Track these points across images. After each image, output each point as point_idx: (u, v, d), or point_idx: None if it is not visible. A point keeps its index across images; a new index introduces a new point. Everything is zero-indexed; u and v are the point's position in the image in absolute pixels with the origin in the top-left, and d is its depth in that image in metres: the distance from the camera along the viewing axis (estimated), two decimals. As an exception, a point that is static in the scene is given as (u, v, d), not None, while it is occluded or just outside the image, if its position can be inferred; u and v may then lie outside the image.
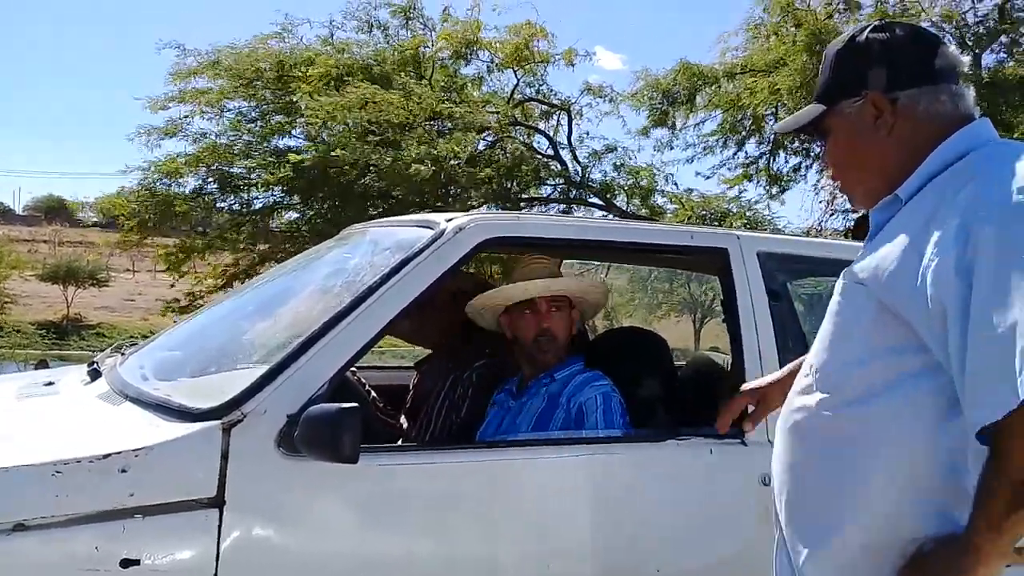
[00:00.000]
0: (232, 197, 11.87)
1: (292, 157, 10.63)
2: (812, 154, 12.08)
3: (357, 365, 2.43)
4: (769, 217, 12.81)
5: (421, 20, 12.26)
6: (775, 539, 1.60)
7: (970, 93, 1.48)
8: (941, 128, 1.42)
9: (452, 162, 10.30)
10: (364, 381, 3.09)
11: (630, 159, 12.47)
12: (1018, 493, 1.22)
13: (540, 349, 2.43)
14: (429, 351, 3.22)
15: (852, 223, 11.82)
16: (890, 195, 1.44)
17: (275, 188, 11.50)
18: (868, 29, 1.50)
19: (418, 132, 10.49)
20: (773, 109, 11.10)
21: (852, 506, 1.41)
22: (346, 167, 10.20)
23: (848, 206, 12.29)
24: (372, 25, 12.25)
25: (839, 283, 1.47)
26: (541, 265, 2.50)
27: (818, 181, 12.54)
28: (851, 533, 1.42)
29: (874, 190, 1.49)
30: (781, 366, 2.32)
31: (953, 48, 1.49)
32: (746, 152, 12.33)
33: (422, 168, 9.81)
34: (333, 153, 10.11)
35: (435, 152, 10.11)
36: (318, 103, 10.35)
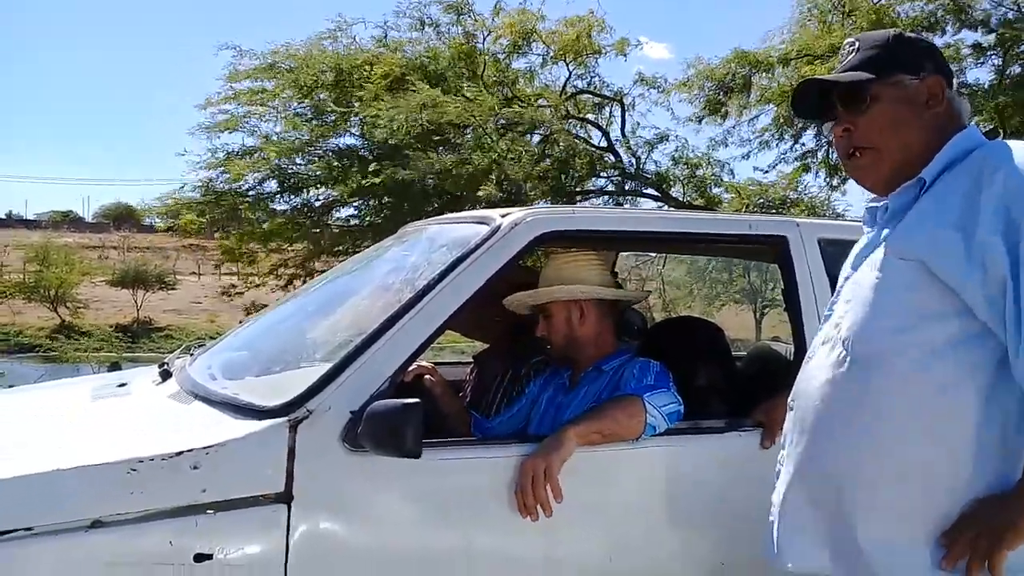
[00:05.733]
0: (292, 196, 12.05)
1: (365, 182, 10.70)
2: None
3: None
4: (829, 202, 12.58)
5: (472, 16, 12.29)
6: (778, 515, 1.69)
7: None
8: (959, 126, 1.61)
9: (511, 161, 10.31)
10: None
11: (687, 150, 12.34)
12: None
13: (550, 352, 2.50)
14: (487, 345, 3.24)
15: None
16: (912, 180, 1.57)
17: (333, 186, 11.64)
18: (909, 33, 1.72)
19: (478, 133, 10.50)
20: None
21: (905, 464, 1.48)
22: (412, 179, 10.28)
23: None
24: (424, 23, 12.32)
25: (872, 260, 1.59)
26: (551, 269, 2.46)
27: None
28: (903, 492, 1.48)
29: (901, 166, 1.60)
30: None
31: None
32: (803, 144, 12.10)
33: (489, 187, 9.90)
34: (405, 172, 10.17)
35: (496, 157, 10.14)
36: (381, 107, 10.45)
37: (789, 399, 1.70)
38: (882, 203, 1.67)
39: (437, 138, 10.69)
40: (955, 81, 1.68)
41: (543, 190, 10.79)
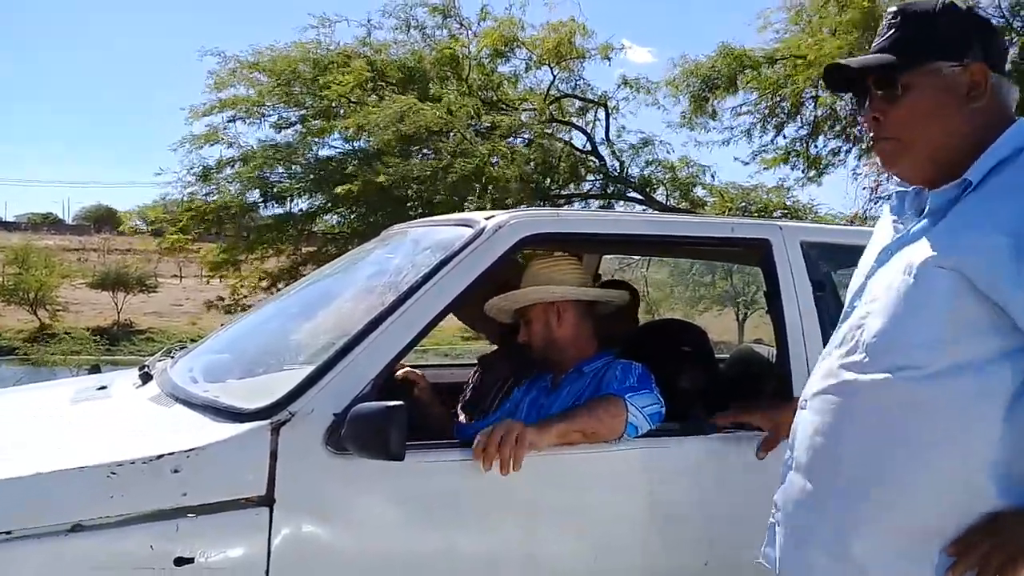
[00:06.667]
0: (275, 205, 12.05)
1: (340, 190, 10.71)
2: (852, 138, 11.92)
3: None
4: (810, 205, 12.65)
5: (458, 19, 12.30)
6: (780, 518, 1.59)
7: None
8: (1006, 118, 1.44)
9: (491, 163, 10.34)
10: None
11: (668, 152, 12.40)
12: None
13: (531, 355, 2.48)
14: (495, 347, 3.22)
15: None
16: (956, 181, 1.41)
17: (316, 195, 11.65)
18: (959, 3, 1.48)
19: (458, 138, 10.51)
20: (813, 91, 10.99)
21: (922, 479, 1.39)
22: (388, 183, 10.28)
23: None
24: (410, 25, 12.31)
25: (905, 264, 1.43)
26: (528, 274, 2.46)
27: (857, 167, 12.37)
28: (919, 506, 1.40)
29: (935, 159, 1.46)
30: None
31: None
32: (784, 136, 12.17)
33: (465, 179, 9.90)
34: (379, 179, 10.18)
35: (475, 161, 10.15)
36: (356, 119, 10.46)
37: (801, 398, 1.60)
38: (911, 188, 1.54)
39: (416, 147, 10.69)
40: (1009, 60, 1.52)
41: (526, 194, 10.81)
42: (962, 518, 1.37)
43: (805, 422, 1.56)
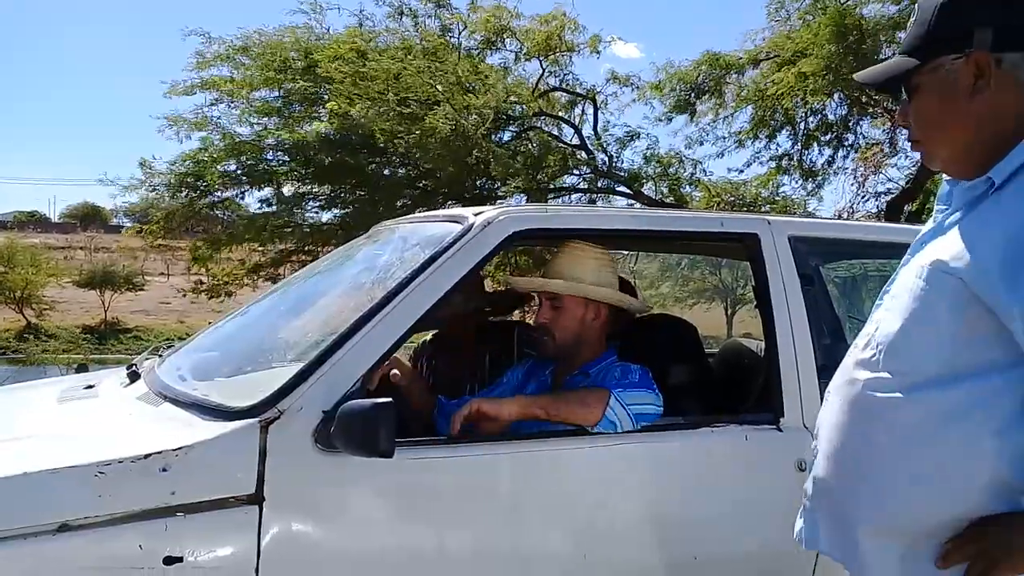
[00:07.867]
0: (260, 187, 11.97)
1: (316, 125, 10.71)
2: (846, 145, 11.97)
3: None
4: (800, 200, 12.69)
5: (449, 9, 12.26)
6: (807, 508, 1.59)
7: None
8: None
9: (476, 129, 10.35)
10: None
11: (658, 147, 12.41)
12: None
13: (534, 338, 2.44)
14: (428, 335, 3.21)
15: (885, 206, 11.69)
16: (981, 177, 1.34)
17: (301, 173, 11.59)
18: None
19: (444, 108, 10.50)
20: (801, 99, 11.03)
21: (912, 483, 1.38)
22: (373, 138, 10.27)
23: (881, 189, 12.15)
24: (403, 12, 12.26)
25: (918, 265, 1.39)
26: (566, 257, 2.44)
27: (855, 169, 12.42)
28: (916, 512, 1.39)
29: (960, 157, 1.39)
30: (815, 351, 2.32)
31: None
32: (777, 144, 12.17)
33: (446, 126, 9.92)
34: (358, 115, 10.20)
35: (461, 119, 10.17)
36: (342, 71, 10.45)
37: (828, 388, 1.59)
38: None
39: (408, 110, 10.67)
40: None
41: (515, 187, 10.81)
42: (954, 523, 1.35)
43: (825, 413, 1.55)
